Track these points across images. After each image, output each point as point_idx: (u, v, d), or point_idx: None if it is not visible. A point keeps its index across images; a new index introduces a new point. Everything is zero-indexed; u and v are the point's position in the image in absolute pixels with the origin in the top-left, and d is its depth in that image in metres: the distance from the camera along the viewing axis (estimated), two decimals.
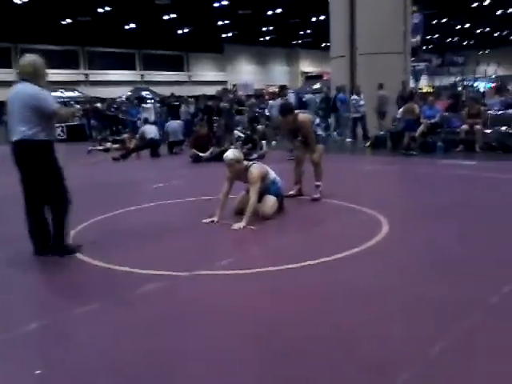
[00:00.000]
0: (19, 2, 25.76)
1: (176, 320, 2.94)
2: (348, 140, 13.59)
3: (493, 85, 27.33)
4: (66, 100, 28.48)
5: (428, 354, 2.38)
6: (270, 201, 5.26)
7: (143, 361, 2.48)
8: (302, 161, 6.39)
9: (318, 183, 6.08)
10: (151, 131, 12.19)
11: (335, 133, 14.35)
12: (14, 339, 2.77)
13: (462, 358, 2.38)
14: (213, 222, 5.12)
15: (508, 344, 2.49)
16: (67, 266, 4.01)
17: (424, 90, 22.12)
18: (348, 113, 13.59)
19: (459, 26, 40.28)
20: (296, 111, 6.18)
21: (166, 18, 31.48)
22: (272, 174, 5.43)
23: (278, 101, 15.66)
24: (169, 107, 17.29)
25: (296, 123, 6.04)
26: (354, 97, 13.59)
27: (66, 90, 32.87)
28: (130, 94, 28.97)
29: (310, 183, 6.16)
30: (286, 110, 6.18)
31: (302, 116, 6.17)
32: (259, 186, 5.13)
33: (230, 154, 5.25)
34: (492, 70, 36.60)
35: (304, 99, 16.52)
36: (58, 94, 31.60)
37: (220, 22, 34.60)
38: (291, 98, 13.35)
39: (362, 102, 13.57)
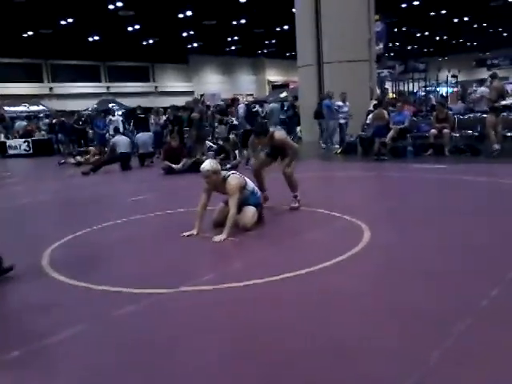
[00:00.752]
0: None
1: (164, 340, 2.84)
2: (336, 147, 13.33)
3: (455, 89, 28.14)
4: (30, 114, 27.80)
5: (425, 364, 2.36)
6: (250, 211, 5.20)
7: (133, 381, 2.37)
8: (260, 172, 6.24)
9: (296, 194, 6.05)
10: (122, 144, 11.95)
11: (321, 140, 14.22)
12: None
13: (458, 364, 2.37)
14: (192, 235, 5.03)
15: (499, 348, 2.49)
16: (45, 287, 3.85)
17: (390, 96, 22.53)
18: (334, 120, 13.56)
19: (419, 34, 41.41)
20: (271, 130, 6.09)
21: (130, 29, 31.14)
22: (250, 185, 5.37)
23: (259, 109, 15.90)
24: (135, 119, 17.08)
25: (273, 142, 5.94)
26: (339, 103, 13.65)
27: (31, 103, 32.08)
28: (95, 106, 28.47)
29: (285, 191, 6.10)
30: (260, 131, 6.05)
31: (278, 134, 6.07)
32: (238, 196, 5.07)
33: (207, 165, 5.16)
34: (453, 75, 37.76)
35: (268, 108, 16.65)
36: (22, 108, 30.88)
37: (185, 33, 34.49)
38: (241, 109, 13.45)
39: (345, 109, 13.66)
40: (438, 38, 44.06)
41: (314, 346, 2.63)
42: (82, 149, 14.85)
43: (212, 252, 4.63)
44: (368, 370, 2.35)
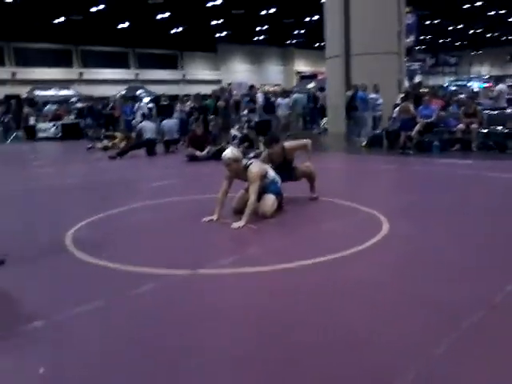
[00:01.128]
0: (10, 1, 25.54)
1: (178, 318, 2.92)
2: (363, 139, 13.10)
3: (486, 85, 27.50)
4: (60, 98, 28.31)
5: (433, 354, 2.37)
6: (270, 200, 5.24)
7: (146, 359, 2.46)
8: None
9: (314, 184, 6.03)
10: (149, 130, 12.12)
11: (353, 133, 13.83)
12: (16, 337, 2.74)
13: (467, 356, 2.38)
14: (212, 220, 5.10)
15: (509, 342, 2.50)
16: (66, 264, 3.98)
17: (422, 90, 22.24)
18: (368, 111, 13.31)
19: (452, 27, 40.50)
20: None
21: (159, 16, 31.36)
22: (271, 173, 5.41)
23: (287, 100, 15.88)
24: (159, 107, 17.24)
25: (285, 152, 5.86)
26: (372, 95, 13.44)
27: (61, 88, 32.67)
28: (124, 92, 28.82)
29: (304, 181, 6.09)
30: (271, 139, 5.98)
31: (288, 144, 6.02)
32: (258, 184, 5.12)
33: (229, 152, 5.22)
34: (485, 70, 36.84)
35: (292, 99, 16.56)
36: (52, 92, 31.47)
37: (214, 22, 34.52)
38: (260, 97, 13.44)
39: (380, 101, 13.46)
40: (471, 32, 43.00)
41: (325, 336, 2.68)
42: (108, 133, 15.09)
43: (230, 237, 4.70)
44: (377, 359, 2.38)
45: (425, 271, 3.55)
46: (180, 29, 36.32)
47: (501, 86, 12.86)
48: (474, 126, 10.24)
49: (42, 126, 19.62)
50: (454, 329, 2.61)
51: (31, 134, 19.46)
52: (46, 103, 24.26)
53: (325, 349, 2.49)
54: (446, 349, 2.41)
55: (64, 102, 25.09)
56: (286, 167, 5.89)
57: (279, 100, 15.94)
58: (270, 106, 14.08)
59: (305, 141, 6.32)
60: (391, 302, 3.05)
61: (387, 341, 2.54)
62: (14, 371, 2.44)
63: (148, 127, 12.18)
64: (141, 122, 13.46)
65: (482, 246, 4.12)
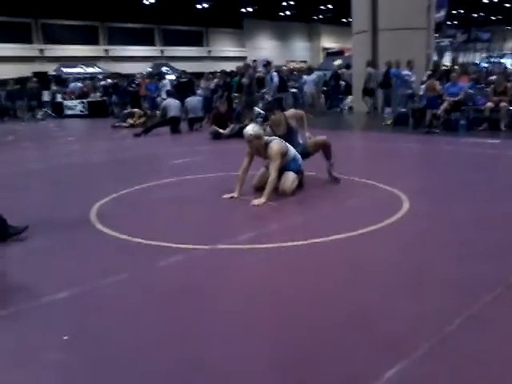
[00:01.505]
0: None
1: (198, 292, 3.01)
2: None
3: None
4: (86, 76, 28.58)
5: (446, 330, 2.40)
6: (290, 177, 5.27)
7: (167, 331, 2.56)
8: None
9: (331, 161, 5.87)
10: (174, 107, 12.16)
11: (388, 110, 13.45)
12: (43, 306, 2.87)
13: (481, 333, 2.40)
14: (232, 197, 5.17)
15: None
16: (91, 238, 4.11)
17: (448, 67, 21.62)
18: (403, 89, 12.98)
19: (487, 0, 39.03)
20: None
21: None
22: (292, 151, 5.42)
23: (313, 76, 15.71)
24: (178, 84, 17.22)
25: (287, 119, 5.78)
26: (407, 72, 13.14)
27: (87, 65, 32.96)
28: (150, 69, 28.91)
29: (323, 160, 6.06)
30: (273, 105, 5.98)
31: (287, 112, 5.92)
32: (279, 162, 5.14)
33: (250, 129, 5.25)
34: None
35: (314, 76, 16.29)
36: (78, 69, 31.76)
37: None
38: (275, 77, 13.23)
39: (413, 78, 13.13)
40: (508, 5, 41.31)
41: (338, 313, 2.73)
42: (126, 111, 15.21)
43: (249, 214, 4.75)
44: (390, 333, 2.43)
45: (442, 250, 3.55)
46: (205, 5, 36.03)
47: (369, 69, 12.73)
48: (504, 104, 9.97)
49: (68, 103, 19.90)
50: (467, 307, 2.63)
51: (59, 110, 19.77)
52: (70, 80, 24.50)
53: (337, 324, 2.54)
54: (458, 325, 2.43)
55: (90, 79, 25.28)
56: (290, 138, 5.72)
57: (305, 77, 15.83)
58: (283, 85, 13.92)
59: (300, 111, 6.32)
60: (406, 279, 3.07)
61: (401, 316, 2.58)
62: (42, 338, 2.57)
63: (172, 105, 12.22)
64: (165, 99, 13.50)
65: (504, 226, 4.07)
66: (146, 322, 2.66)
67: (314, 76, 15.89)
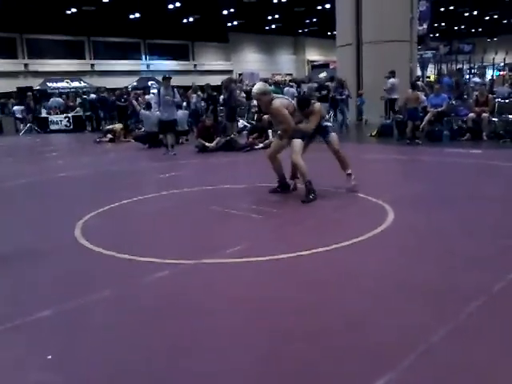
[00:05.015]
0: None
1: (183, 307, 2.99)
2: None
3: (501, 73, 27.07)
4: (71, 90, 28.48)
5: (431, 340, 2.42)
6: (297, 145, 5.47)
7: (153, 347, 2.54)
8: (273, 156, 5.83)
9: (294, 179, 5.96)
10: (148, 122, 12.18)
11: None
12: (26, 325, 2.83)
13: (465, 343, 2.42)
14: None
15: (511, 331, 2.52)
16: (75, 255, 4.07)
17: (431, 79, 21.93)
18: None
19: (467, 14, 39.78)
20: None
21: (170, 6, 31.32)
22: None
23: (291, 90, 15.85)
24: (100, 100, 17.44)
25: (268, 109, 5.63)
26: (476, 79, 13.36)
27: (72, 80, 32.86)
28: (135, 83, 28.93)
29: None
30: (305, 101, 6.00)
31: (277, 101, 5.62)
32: (285, 113, 5.35)
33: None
34: (500, 57, 36.24)
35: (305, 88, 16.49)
36: (64, 84, 31.66)
37: (225, 11, 34.39)
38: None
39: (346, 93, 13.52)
40: (487, 18, 42.20)
41: (323, 323, 2.73)
42: (109, 127, 15.20)
43: (235, 228, 4.75)
44: (376, 344, 2.43)
45: (427, 260, 3.58)
46: (191, 19, 36.23)
47: (393, 80, 13.45)
48: (485, 114, 10.14)
49: (53, 118, 19.79)
50: (454, 317, 2.65)
51: (44, 126, 19.64)
52: (52, 95, 24.24)
53: (323, 336, 2.54)
54: (443, 336, 2.44)
55: (72, 93, 25.14)
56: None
57: (285, 89, 16.06)
58: None
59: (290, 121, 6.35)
60: (391, 290, 3.09)
61: (387, 327, 2.59)
62: (25, 358, 2.53)
63: (147, 119, 12.21)
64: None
65: (487, 235, 4.12)
66: (132, 339, 2.63)
67: (292, 89, 16.10)
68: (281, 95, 5.72)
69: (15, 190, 7.33)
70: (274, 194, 5.85)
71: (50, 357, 2.49)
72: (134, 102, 16.28)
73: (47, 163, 10.76)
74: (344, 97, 13.60)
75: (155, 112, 10.66)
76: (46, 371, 2.37)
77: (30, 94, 20.63)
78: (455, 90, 15.17)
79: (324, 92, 14.20)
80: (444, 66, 23.71)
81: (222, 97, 12.11)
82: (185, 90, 17.61)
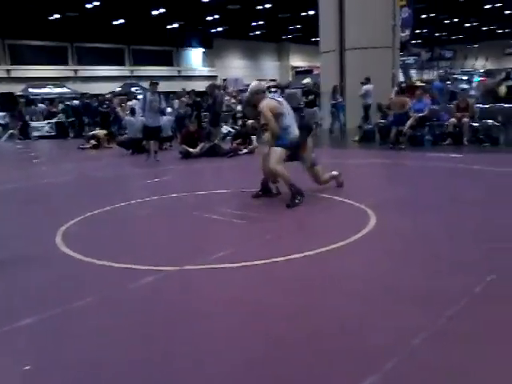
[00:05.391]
0: None
1: (167, 314, 2.97)
2: None
3: (481, 79, 27.48)
4: (55, 96, 28.20)
5: (413, 343, 2.43)
6: (276, 153, 5.27)
7: (137, 355, 2.51)
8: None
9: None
10: (132, 128, 12.13)
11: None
12: (7, 334, 2.78)
13: (446, 345, 2.44)
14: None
15: (491, 331, 2.55)
16: (57, 262, 4.02)
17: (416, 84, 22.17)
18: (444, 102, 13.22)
19: (448, 21, 40.42)
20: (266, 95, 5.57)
21: (155, 13, 31.26)
22: (288, 120, 5.39)
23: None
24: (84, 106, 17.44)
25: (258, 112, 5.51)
26: (463, 85, 13.56)
27: (55, 86, 32.56)
28: (119, 89, 28.77)
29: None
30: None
31: (265, 101, 5.45)
32: (269, 115, 5.17)
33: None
34: (481, 64, 36.92)
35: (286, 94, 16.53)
36: (46, 90, 31.36)
37: (209, 18, 34.44)
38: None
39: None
40: (467, 25, 42.93)
41: (307, 324, 2.73)
42: (91, 133, 15.13)
43: (220, 234, 4.74)
44: (358, 345, 2.44)
45: (408, 264, 3.61)
46: (175, 25, 36.21)
47: (367, 86, 13.88)
48: (466, 119, 10.29)
49: (36, 124, 19.58)
50: (434, 320, 2.67)
51: (25, 132, 19.42)
52: (36, 102, 24.01)
53: (307, 340, 2.54)
54: (424, 339, 2.46)
55: (56, 99, 24.90)
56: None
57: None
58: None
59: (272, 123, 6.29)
60: (373, 294, 3.10)
61: (369, 331, 2.60)
62: (5, 367, 2.49)
63: (133, 125, 12.16)
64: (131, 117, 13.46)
65: (468, 238, 4.17)
66: (114, 347, 2.60)
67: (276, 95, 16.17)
68: (271, 95, 5.56)
69: None
70: (258, 198, 5.85)
71: (28, 367, 2.44)
72: (118, 108, 16.20)
73: (30, 170, 10.62)
74: (337, 102, 13.74)
75: (139, 117, 10.60)
76: (26, 380, 2.33)
77: (22, 100, 20.42)
78: (446, 94, 15.38)
79: (311, 97, 14.18)
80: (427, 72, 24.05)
81: (209, 99, 12.08)
82: (169, 95, 17.61)
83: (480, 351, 2.38)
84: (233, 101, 15.98)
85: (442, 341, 2.47)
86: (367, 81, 13.85)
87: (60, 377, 2.36)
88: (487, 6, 35.00)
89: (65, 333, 2.80)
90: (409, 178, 7.46)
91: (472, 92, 14.80)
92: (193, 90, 16.05)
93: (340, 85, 15.44)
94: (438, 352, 2.37)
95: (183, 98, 15.66)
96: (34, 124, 19.66)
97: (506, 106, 10.54)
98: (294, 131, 5.45)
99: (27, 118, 20.38)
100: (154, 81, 10.86)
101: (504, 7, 35.57)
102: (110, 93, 19.93)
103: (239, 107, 13.89)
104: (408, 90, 12.92)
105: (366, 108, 13.93)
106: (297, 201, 5.25)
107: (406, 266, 3.56)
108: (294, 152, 5.49)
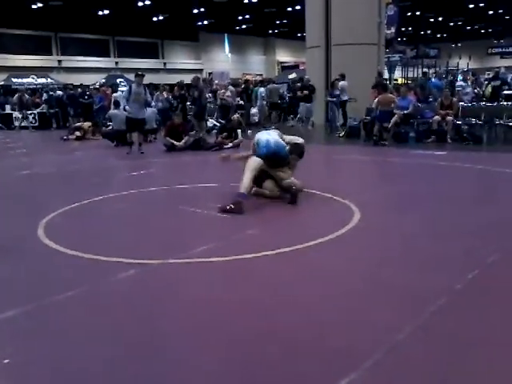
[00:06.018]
0: None
1: (149, 308, 2.95)
2: None
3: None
4: (38, 87, 27.77)
5: (394, 340, 2.45)
6: (254, 161, 5.36)
7: (118, 349, 2.49)
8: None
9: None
10: (117, 120, 11.99)
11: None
12: None
13: (429, 341, 2.46)
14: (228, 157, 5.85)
15: (474, 326, 2.58)
16: (38, 255, 3.96)
17: (399, 82, 22.34)
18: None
19: (433, 19, 40.75)
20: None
21: (140, 4, 30.92)
22: (263, 139, 5.51)
23: (261, 89, 15.95)
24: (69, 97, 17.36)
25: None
26: (461, 83, 13.47)
27: (38, 76, 32.04)
28: (103, 80, 28.43)
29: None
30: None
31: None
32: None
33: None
34: (464, 62, 37.33)
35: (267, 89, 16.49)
36: (29, 80, 30.86)
37: (196, 10, 34.18)
38: (262, 93, 13.30)
39: (468, 90, 13.50)
40: (452, 24, 43.35)
41: (288, 319, 2.73)
42: (77, 124, 14.97)
43: (203, 227, 4.71)
44: (340, 344, 2.45)
45: (390, 260, 3.63)
46: (161, 17, 35.87)
47: (343, 83, 14.03)
48: (449, 117, 10.40)
49: (18, 114, 19.24)
50: (415, 316, 2.69)
51: (7, 122, 19.11)
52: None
53: (286, 337, 2.54)
54: (406, 335, 2.48)
55: (38, 90, 24.51)
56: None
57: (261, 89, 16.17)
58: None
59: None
60: (354, 289, 3.11)
61: (350, 327, 2.61)
62: None
63: (117, 117, 12.02)
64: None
65: (450, 235, 4.21)
66: (94, 341, 2.57)
67: (262, 89, 16.20)
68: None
69: None
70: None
71: (6, 361, 2.40)
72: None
73: (11, 160, 10.45)
74: (335, 99, 13.65)
75: (124, 108, 10.48)
76: (1, 377, 2.29)
77: (22, 87, 20.04)
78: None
79: (306, 92, 13.96)
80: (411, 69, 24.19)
81: (194, 92, 11.96)
82: (154, 88, 17.42)
83: (463, 347, 2.41)
84: (228, 94, 15.60)
85: (425, 336, 2.49)
86: (342, 77, 13.81)
87: (38, 371, 2.32)
88: (471, 6, 35.37)
89: (42, 327, 2.75)
90: (393, 175, 7.52)
91: (468, 90, 14.81)
92: (182, 81, 15.90)
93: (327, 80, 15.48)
94: (420, 348, 2.39)
95: (164, 92, 15.54)
96: (15, 114, 19.33)
97: (489, 104, 10.65)
98: (268, 144, 5.46)
99: (8, 108, 20.05)
100: (139, 72, 10.71)
101: (487, 7, 36.01)
102: (92, 85, 19.72)
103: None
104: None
105: (342, 104, 13.89)
106: (228, 207, 4.96)
107: (388, 262, 3.59)
108: (274, 163, 5.50)
